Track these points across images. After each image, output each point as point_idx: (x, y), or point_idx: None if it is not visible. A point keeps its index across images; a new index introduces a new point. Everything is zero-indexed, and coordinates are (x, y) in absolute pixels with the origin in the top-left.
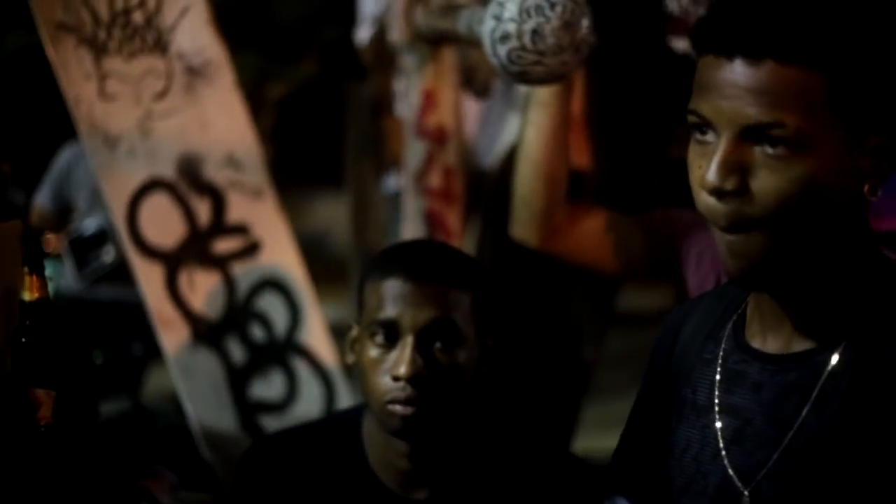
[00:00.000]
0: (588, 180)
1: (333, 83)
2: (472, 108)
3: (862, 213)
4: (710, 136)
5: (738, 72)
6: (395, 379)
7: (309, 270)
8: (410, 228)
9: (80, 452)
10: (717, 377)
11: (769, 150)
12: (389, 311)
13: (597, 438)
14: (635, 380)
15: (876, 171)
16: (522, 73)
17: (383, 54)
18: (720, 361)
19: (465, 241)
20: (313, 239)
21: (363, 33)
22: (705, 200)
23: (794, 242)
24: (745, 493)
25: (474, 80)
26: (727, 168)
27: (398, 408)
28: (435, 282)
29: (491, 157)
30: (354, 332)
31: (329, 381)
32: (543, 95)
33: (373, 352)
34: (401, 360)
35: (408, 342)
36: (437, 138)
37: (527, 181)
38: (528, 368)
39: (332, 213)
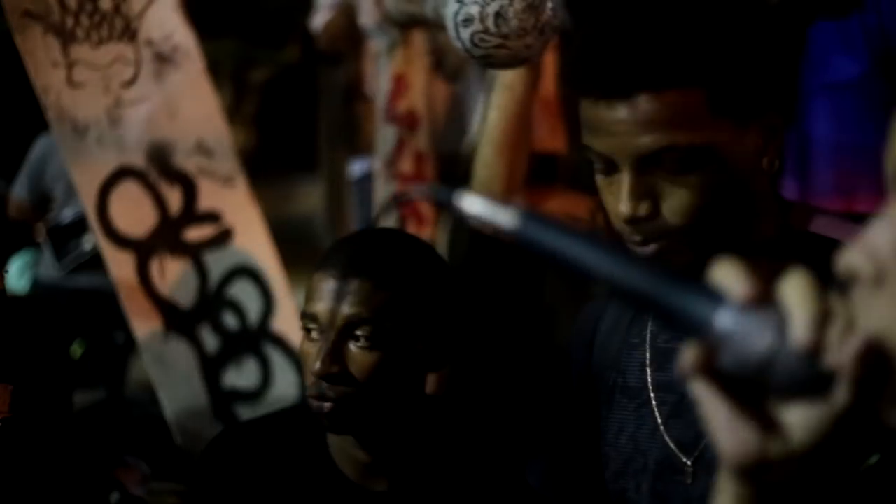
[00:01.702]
0: (562, 164)
1: (313, 68)
2: (443, 91)
3: (769, 183)
4: (611, 170)
5: (619, 109)
6: (312, 374)
7: (290, 257)
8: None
9: (44, 445)
10: (647, 358)
11: (669, 172)
12: (315, 304)
13: None
14: None
15: (769, 145)
16: (486, 57)
17: (355, 38)
18: (648, 343)
19: (438, 225)
20: (295, 225)
21: (319, 20)
22: (622, 227)
23: (711, 237)
24: (688, 463)
25: (445, 64)
26: (636, 197)
27: (314, 403)
28: (359, 278)
29: (465, 140)
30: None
31: (303, 368)
32: (508, 78)
33: (304, 344)
34: (317, 356)
35: (327, 338)
36: (408, 123)
37: (487, 164)
38: (503, 354)
39: (314, 200)
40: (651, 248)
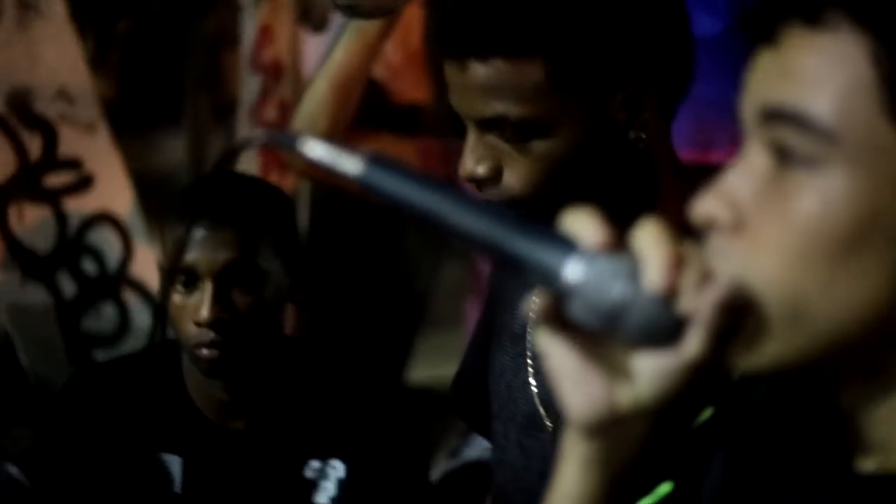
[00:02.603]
0: (425, 115)
1: (179, 18)
2: (313, 44)
3: (646, 156)
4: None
5: (457, 72)
6: (198, 324)
7: (152, 207)
8: (245, 164)
9: None
10: (530, 305)
11: (506, 139)
12: (186, 256)
13: (434, 368)
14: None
15: (634, 120)
16: (351, 7)
17: None
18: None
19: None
20: (158, 176)
21: None
22: (470, 187)
23: (558, 206)
24: (550, 426)
25: (311, 14)
26: (475, 157)
27: (204, 352)
28: (229, 223)
29: None
30: (162, 276)
31: (161, 314)
32: (364, 23)
33: (176, 297)
34: (201, 305)
35: (206, 287)
36: (273, 72)
37: (319, 99)
38: (362, 300)
39: (177, 151)
40: None
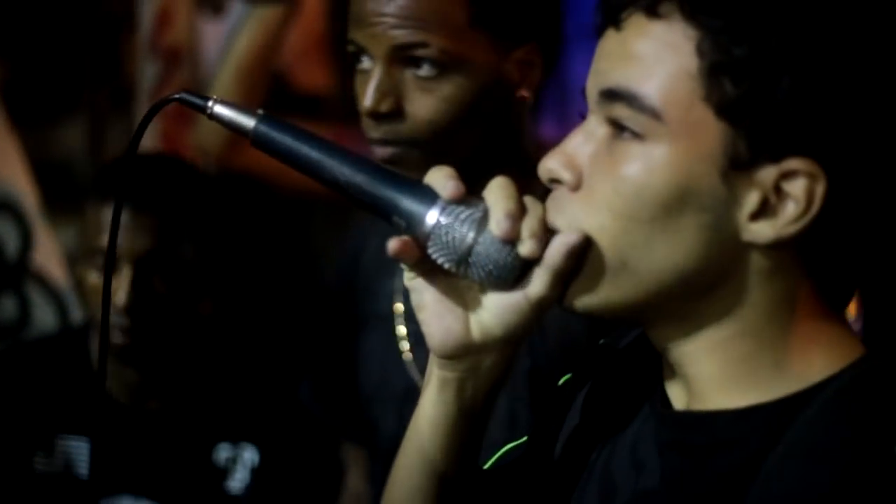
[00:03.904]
0: (326, 101)
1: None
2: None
3: (519, 118)
4: (367, 64)
5: (380, 1)
6: (120, 308)
7: (49, 198)
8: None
9: None
10: (398, 286)
11: (418, 72)
12: (105, 238)
13: None
14: None
15: (525, 80)
16: None
17: None
18: (403, 271)
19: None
20: (54, 166)
21: None
22: (366, 122)
23: (449, 153)
24: None
25: None
26: (381, 92)
27: (117, 338)
28: (153, 211)
29: None
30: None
31: (62, 305)
32: (264, 10)
33: (93, 278)
34: (118, 289)
35: (125, 272)
36: (172, 58)
37: (226, 86)
38: (272, 290)
39: (75, 140)
40: (388, 151)
